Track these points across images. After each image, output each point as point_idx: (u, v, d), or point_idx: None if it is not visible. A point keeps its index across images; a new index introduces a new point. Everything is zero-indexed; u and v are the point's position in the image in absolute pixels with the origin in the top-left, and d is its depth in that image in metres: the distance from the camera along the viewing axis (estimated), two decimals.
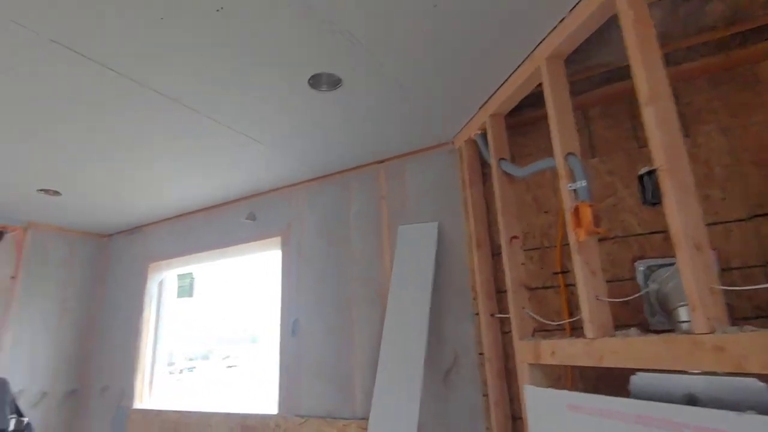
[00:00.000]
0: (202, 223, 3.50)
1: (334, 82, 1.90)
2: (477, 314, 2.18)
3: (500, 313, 2.13)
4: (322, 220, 2.85)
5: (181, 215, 3.62)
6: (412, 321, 2.26)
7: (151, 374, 3.55)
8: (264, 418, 2.71)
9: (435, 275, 2.34)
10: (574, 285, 1.96)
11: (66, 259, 3.83)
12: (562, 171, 1.57)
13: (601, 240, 1.72)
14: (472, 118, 2.24)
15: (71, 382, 3.72)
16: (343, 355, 2.55)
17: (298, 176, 2.92)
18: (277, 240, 3.01)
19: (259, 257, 3.22)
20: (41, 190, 2.97)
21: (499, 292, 2.16)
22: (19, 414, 1.90)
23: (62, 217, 3.57)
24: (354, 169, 2.81)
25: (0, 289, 3.68)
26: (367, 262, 2.61)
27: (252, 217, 3.16)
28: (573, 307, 1.96)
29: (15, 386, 3.40)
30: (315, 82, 1.88)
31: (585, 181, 1.48)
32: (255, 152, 2.54)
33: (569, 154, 1.56)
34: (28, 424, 1.96)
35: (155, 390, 3.52)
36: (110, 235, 4.12)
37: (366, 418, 2.30)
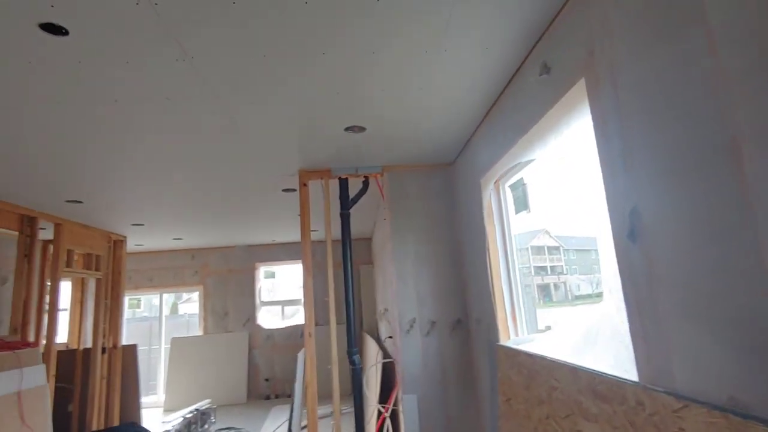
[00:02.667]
0: (498, 113, 2.61)
1: None
2: None
3: None
4: (641, 4, 1.37)
5: (486, 115, 2.84)
6: None
7: (512, 305, 2.97)
8: (619, 386, 1.57)
9: None
10: None
11: (421, 193, 3.83)
12: None
13: None
14: None
15: (455, 311, 3.68)
16: (740, 276, 1.08)
17: None
18: (581, 86, 1.73)
19: (570, 133, 1.98)
20: (348, 128, 2.96)
21: None
22: None
23: (407, 155, 3.56)
24: None
25: (386, 233, 4.10)
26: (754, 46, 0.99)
27: (545, 69, 1.99)
28: None
29: (408, 316, 3.66)
30: None
31: None
32: None
33: None
34: None
35: (519, 325, 2.92)
36: (452, 163, 3.84)
37: None
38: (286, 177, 3.95)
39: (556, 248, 3.38)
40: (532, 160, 2.54)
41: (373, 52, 2.05)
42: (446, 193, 3.84)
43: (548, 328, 2.90)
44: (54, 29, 1.73)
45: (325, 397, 4.85)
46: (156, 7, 1.65)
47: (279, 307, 8.50)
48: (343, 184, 3.86)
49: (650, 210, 1.37)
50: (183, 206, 4.82)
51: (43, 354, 4.28)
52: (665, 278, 1.33)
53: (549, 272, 3.26)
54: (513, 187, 2.88)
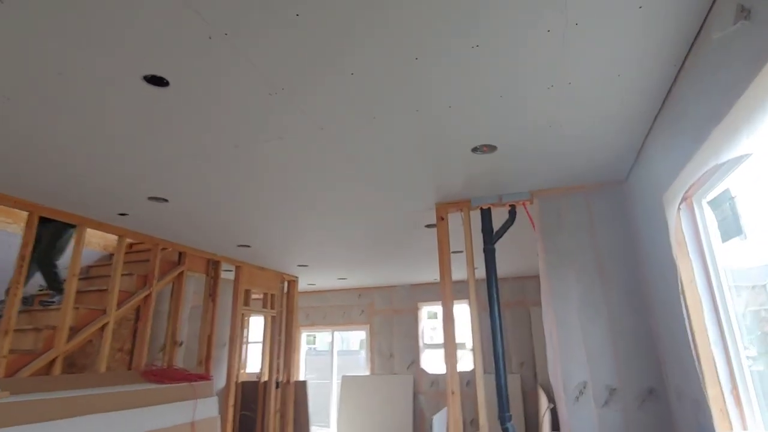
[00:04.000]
0: (677, 99, 1.86)
1: None
2: None
3: None
4: None
5: (662, 106, 2.08)
6: None
7: (730, 376, 2.01)
8: None
9: None
10: None
11: (584, 220, 3.08)
12: None
13: None
14: None
15: (644, 377, 2.75)
16: None
17: None
18: None
19: None
20: (475, 148, 2.52)
21: None
22: None
23: (560, 175, 2.92)
24: None
25: (540, 271, 3.42)
26: None
27: (742, 13, 1.27)
28: None
29: (576, 379, 2.88)
30: None
31: None
32: None
33: None
34: None
35: (747, 406, 1.94)
36: (624, 180, 3.00)
37: None
38: (423, 212, 3.66)
39: None
40: (740, 159, 1.70)
41: (478, 45, 1.63)
42: (619, 219, 3.01)
43: None
44: (156, 80, 1.80)
45: None
46: (227, 37, 1.56)
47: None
48: (486, 215, 3.37)
49: None
50: (337, 247, 4.92)
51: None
52: None
53: None
54: (714, 203, 2.00)
